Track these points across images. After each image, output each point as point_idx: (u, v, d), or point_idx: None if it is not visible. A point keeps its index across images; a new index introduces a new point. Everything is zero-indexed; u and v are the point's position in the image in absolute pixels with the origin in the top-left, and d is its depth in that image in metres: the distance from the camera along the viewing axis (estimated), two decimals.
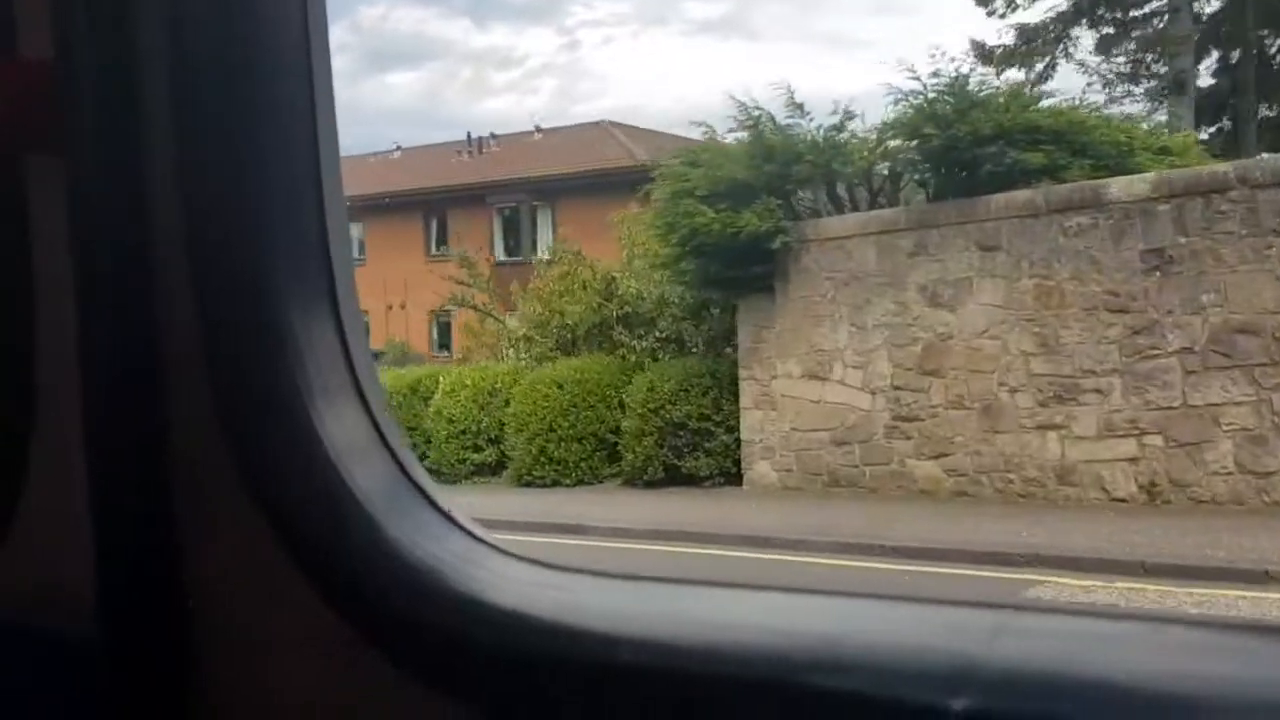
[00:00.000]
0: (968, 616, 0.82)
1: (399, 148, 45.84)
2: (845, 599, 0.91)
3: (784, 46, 69.99)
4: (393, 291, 39.60)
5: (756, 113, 16.39)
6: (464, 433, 19.44)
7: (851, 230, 15.48)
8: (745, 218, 15.15)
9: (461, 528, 1.03)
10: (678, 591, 0.98)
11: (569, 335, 20.23)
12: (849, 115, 16.13)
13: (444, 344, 39.37)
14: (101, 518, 1.09)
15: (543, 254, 37.41)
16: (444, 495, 1.06)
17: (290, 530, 1.01)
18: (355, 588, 0.98)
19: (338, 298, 1.05)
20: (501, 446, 19.04)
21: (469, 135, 42.81)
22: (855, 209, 16.59)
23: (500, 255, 38.29)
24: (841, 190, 16.83)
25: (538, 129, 42.89)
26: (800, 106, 16.40)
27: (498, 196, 37.85)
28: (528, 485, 17.93)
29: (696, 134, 18.41)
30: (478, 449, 19.44)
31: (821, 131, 16.07)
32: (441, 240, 39.99)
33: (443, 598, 0.94)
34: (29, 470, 1.14)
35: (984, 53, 28.77)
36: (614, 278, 19.80)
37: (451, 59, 79.42)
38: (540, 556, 1.00)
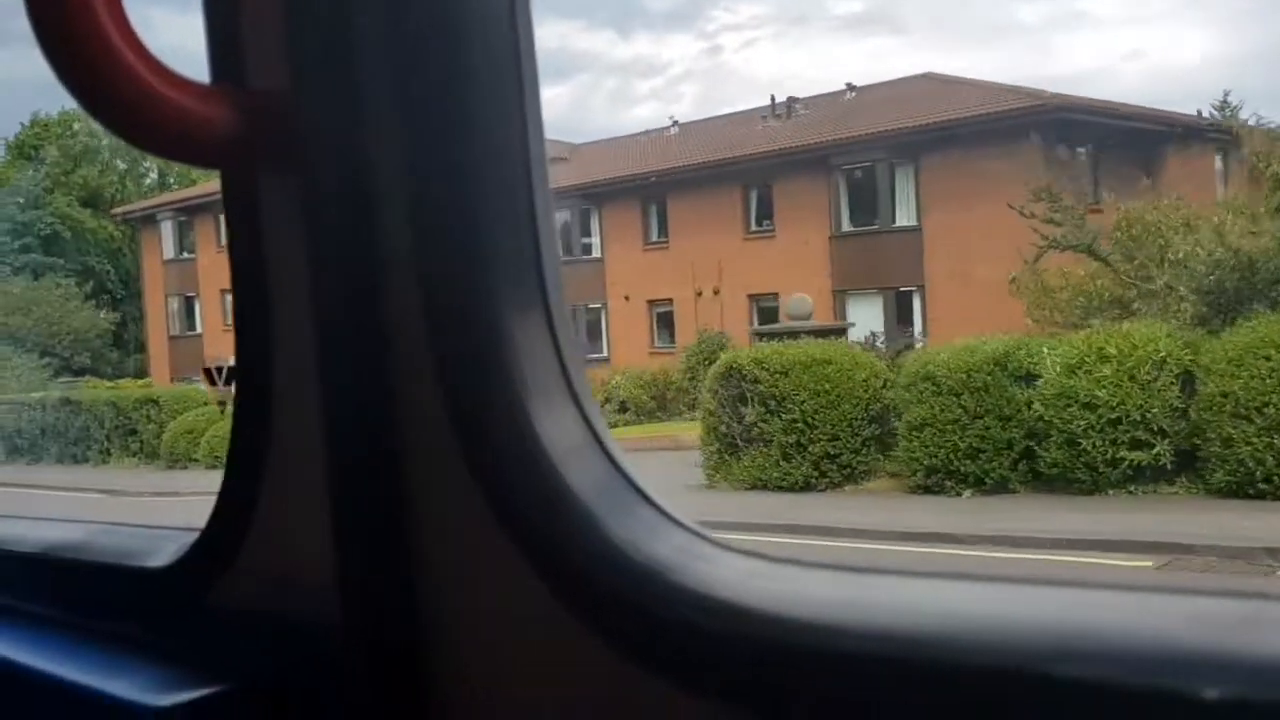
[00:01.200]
0: (1215, 606, 0.78)
1: (675, 123, 41.10)
2: (1081, 589, 0.86)
3: (932, 37, 65.19)
4: (704, 276, 34.55)
5: None
6: (1115, 423, 14.62)
7: None
8: None
9: (680, 524, 1.05)
10: (905, 582, 0.93)
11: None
12: None
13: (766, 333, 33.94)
14: (339, 509, 1.15)
15: (902, 220, 31.73)
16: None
17: (515, 524, 1.05)
18: (580, 582, 1.01)
19: (549, 299, 1.09)
20: (1172, 440, 14.20)
21: (773, 99, 37.39)
22: None
23: (844, 226, 32.26)
24: None
25: (850, 87, 36.98)
26: None
27: (845, 157, 31.82)
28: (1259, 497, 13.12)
29: None
30: (1138, 444, 14.49)
31: None
32: (765, 215, 34.41)
33: (666, 590, 0.96)
34: (269, 467, 1.24)
35: None
36: None
37: (598, 70, 79.26)
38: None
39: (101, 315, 52.92)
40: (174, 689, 1.28)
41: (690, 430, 29.70)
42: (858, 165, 31.88)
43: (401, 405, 1.12)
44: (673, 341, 35.99)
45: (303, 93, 1.13)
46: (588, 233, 38.46)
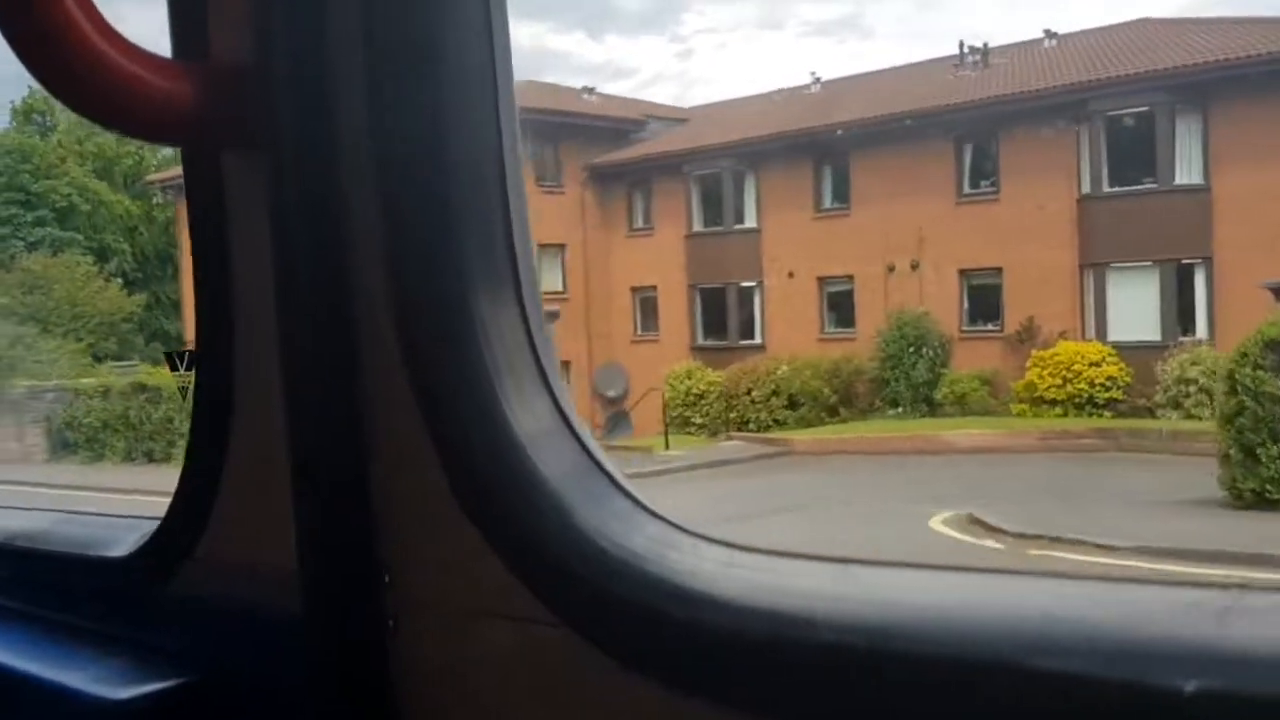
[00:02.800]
0: (1194, 597, 0.78)
1: (817, 80, 35.91)
2: (1062, 580, 0.86)
3: (902, 45, 65.94)
4: (898, 248, 29.30)
5: None
6: None
7: None
8: None
9: (652, 513, 1.02)
10: (881, 574, 0.93)
11: None
12: None
13: (982, 315, 28.65)
14: (301, 497, 1.12)
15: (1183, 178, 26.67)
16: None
17: (483, 510, 1.03)
18: (548, 567, 0.99)
19: (520, 282, 1.08)
20: None
21: (961, 46, 32.30)
22: None
23: (1102, 186, 26.94)
24: None
25: (1049, 34, 31.95)
26: None
27: (1108, 102, 26.43)
28: None
29: None
30: None
31: None
32: (982, 174, 29.14)
33: (635, 578, 0.94)
34: (230, 451, 1.22)
35: None
36: None
37: (566, 71, 78.70)
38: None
39: (130, 298, 47.15)
40: (134, 681, 1.27)
41: (951, 429, 24.76)
42: (1126, 111, 26.53)
43: (368, 389, 1.10)
44: (850, 325, 30.71)
45: (268, 68, 1.09)
46: (740, 199, 33.08)
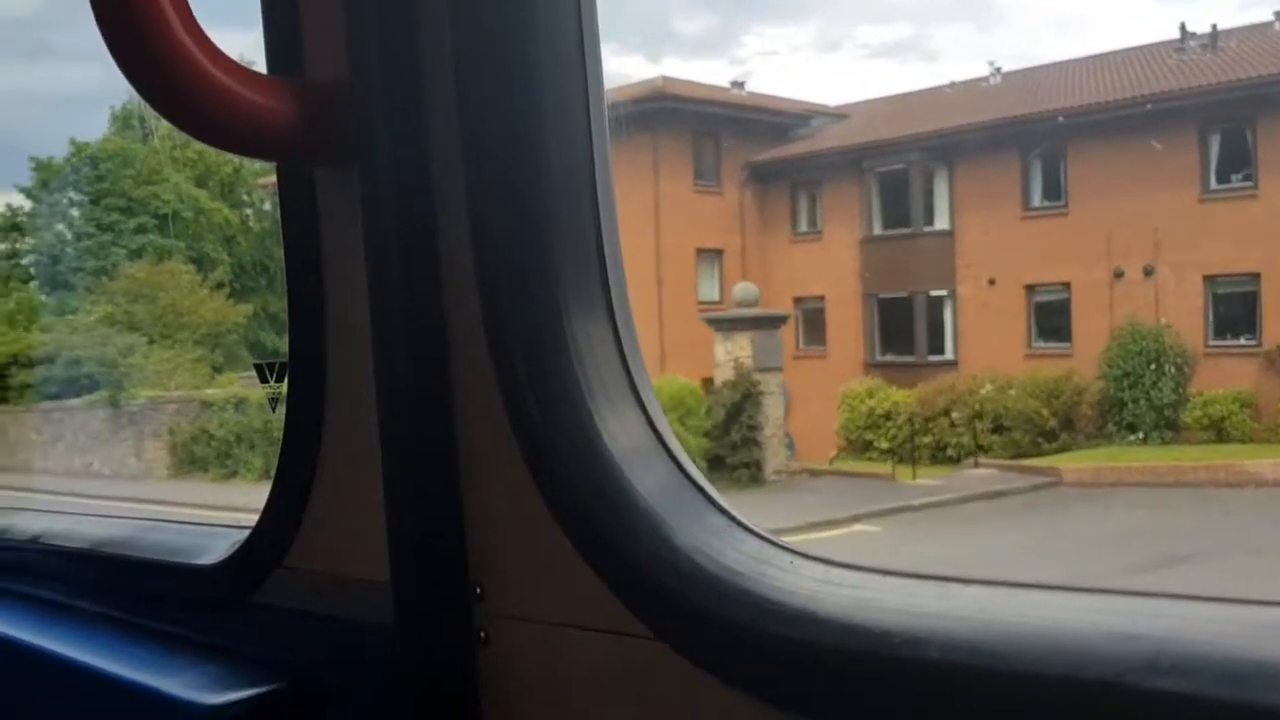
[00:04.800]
0: None
1: (998, 70, 32.58)
2: (1170, 600, 0.84)
3: (965, 67, 63.97)
4: (1125, 250, 25.78)
5: None
6: None
7: None
8: None
9: (749, 529, 1.01)
10: (987, 592, 0.91)
11: None
12: None
13: (1232, 327, 25.00)
14: (393, 508, 1.13)
15: None
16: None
17: (575, 524, 1.03)
18: (641, 581, 0.98)
19: (612, 300, 1.08)
20: None
21: (1183, 29, 28.80)
22: None
23: None
24: None
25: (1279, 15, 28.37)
26: None
27: None
28: None
29: None
30: None
31: None
32: (1235, 165, 25.52)
33: (732, 594, 0.94)
34: (322, 461, 1.23)
35: None
36: None
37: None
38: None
39: (238, 307, 45.07)
40: (225, 687, 1.28)
41: (1249, 457, 21.21)
42: None
43: (459, 404, 1.11)
44: (1065, 339, 27.21)
45: (362, 85, 1.10)
46: (930, 198, 29.78)
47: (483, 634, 1.11)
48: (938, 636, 0.83)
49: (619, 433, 1.04)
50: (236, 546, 1.37)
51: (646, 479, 1.02)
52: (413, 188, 1.09)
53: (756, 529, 1.02)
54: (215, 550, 1.42)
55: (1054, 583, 0.90)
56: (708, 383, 23.45)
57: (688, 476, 1.05)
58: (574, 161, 1.06)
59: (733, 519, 1.03)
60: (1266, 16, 28.47)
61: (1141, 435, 23.95)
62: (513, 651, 1.09)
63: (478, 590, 1.12)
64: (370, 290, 1.12)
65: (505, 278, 1.07)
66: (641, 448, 1.05)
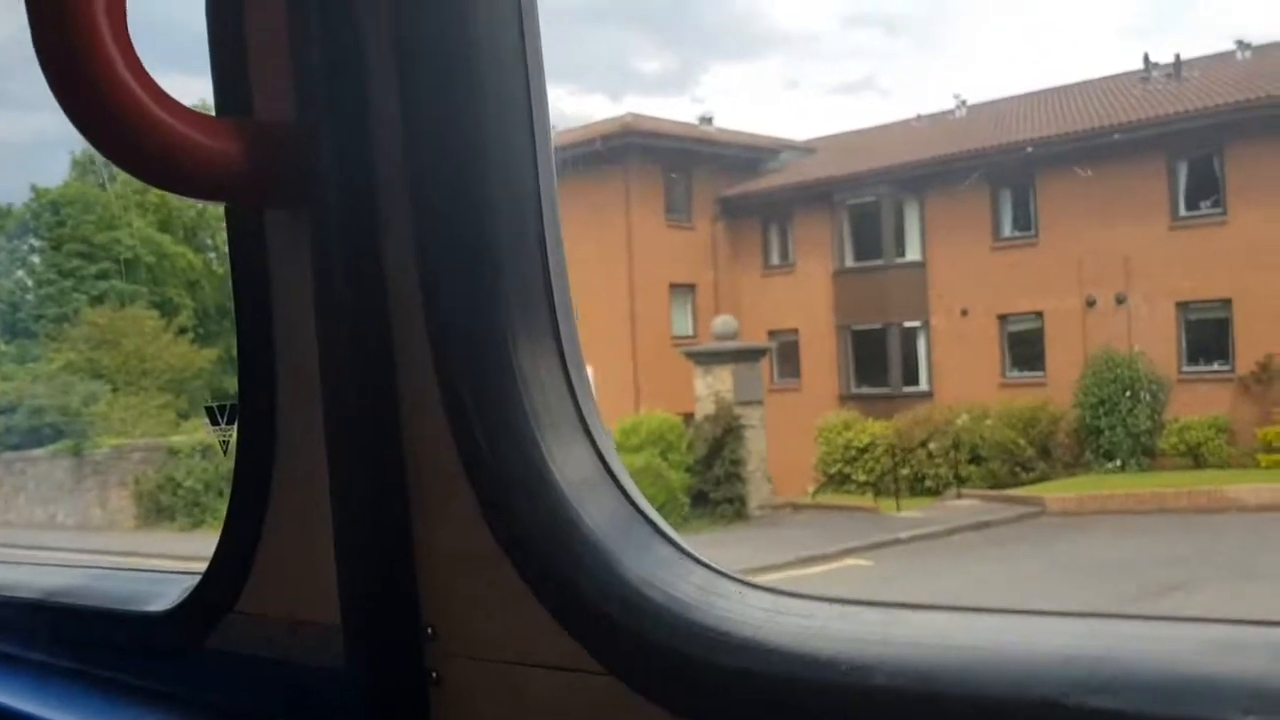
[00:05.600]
0: (1240, 634, 0.78)
1: (963, 103, 32.90)
2: (1107, 620, 0.86)
3: (917, 101, 64.09)
4: (1094, 279, 25.92)
5: None
6: None
7: None
8: None
9: (697, 560, 1.01)
10: (931, 617, 0.91)
11: None
12: None
13: (1205, 353, 25.14)
14: (343, 549, 1.12)
15: None
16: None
17: (526, 560, 1.03)
18: (592, 616, 0.98)
19: (560, 330, 1.08)
20: None
21: (1146, 59, 29.21)
22: None
23: None
24: None
25: (1241, 45, 28.87)
26: None
27: None
28: None
29: None
30: None
31: None
32: (1203, 193, 25.74)
33: (682, 626, 0.94)
34: (272, 505, 1.22)
35: None
36: None
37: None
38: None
39: (203, 352, 44.41)
40: None
41: (1229, 483, 21.19)
42: None
43: (409, 440, 1.10)
44: (1038, 368, 27.25)
45: (309, 124, 1.10)
46: (901, 229, 29.84)
47: (435, 674, 1.11)
48: (884, 663, 0.83)
49: (567, 465, 1.04)
50: (188, 592, 1.37)
51: (595, 511, 1.02)
52: (361, 228, 1.09)
53: (703, 559, 1.02)
54: (167, 596, 1.41)
55: (995, 607, 0.90)
56: (688, 417, 23.20)
57: (636, 507, 1.06)
58: (520, 196, 1.07)
59: (681, 550, 1.03)
60: (1229, 46, 28.97)
61: (1119, 463, 23.94)
62: (465, 691, 1.10)
63: (429, 630, 1.11)
64: (318, 331, 1.12)
65: (454, 316, 1.07)
66: (590, 479, 1.05)
